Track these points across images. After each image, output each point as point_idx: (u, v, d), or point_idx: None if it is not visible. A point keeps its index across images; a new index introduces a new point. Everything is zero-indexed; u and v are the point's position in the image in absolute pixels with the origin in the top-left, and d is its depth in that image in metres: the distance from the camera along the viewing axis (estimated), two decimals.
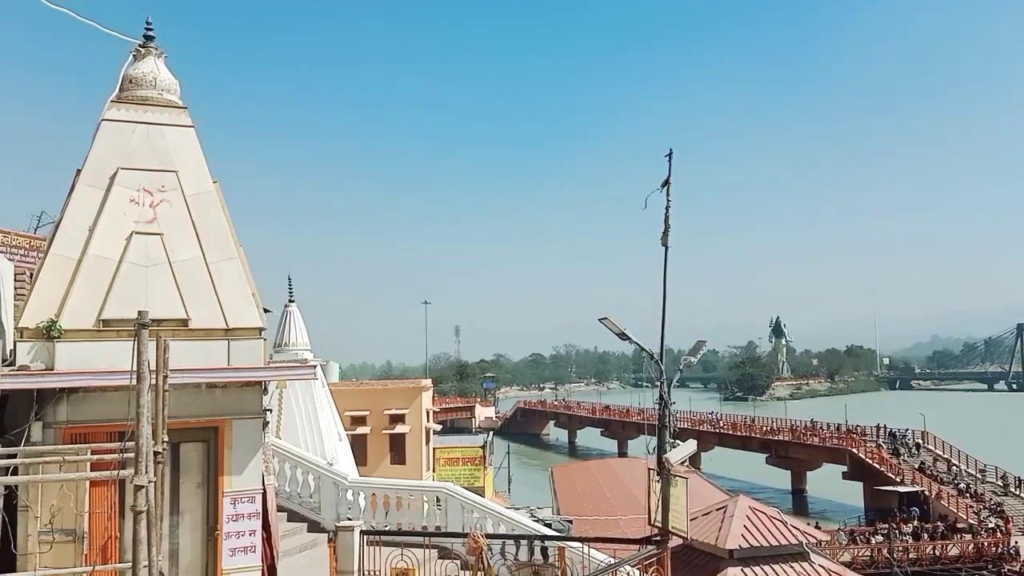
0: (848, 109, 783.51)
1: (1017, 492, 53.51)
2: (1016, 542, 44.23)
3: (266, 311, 11.54)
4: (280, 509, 14.46)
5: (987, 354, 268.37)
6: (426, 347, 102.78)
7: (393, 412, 32.78)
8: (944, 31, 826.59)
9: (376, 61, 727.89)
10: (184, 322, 8.94)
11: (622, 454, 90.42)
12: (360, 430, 31.38)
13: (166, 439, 6.70)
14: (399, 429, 32.56)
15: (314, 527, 14.72)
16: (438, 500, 14.98)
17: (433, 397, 45.25)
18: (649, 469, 10.07)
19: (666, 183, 10.42)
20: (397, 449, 32.52)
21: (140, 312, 6.52)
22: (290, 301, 22.89)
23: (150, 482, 6.23)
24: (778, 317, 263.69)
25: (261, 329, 9.35)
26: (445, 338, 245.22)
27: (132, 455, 6.26)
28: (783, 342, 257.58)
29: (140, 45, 10.03)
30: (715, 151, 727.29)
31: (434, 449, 38.22)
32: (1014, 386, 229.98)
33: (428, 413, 35.60)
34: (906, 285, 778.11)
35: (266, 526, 9.22)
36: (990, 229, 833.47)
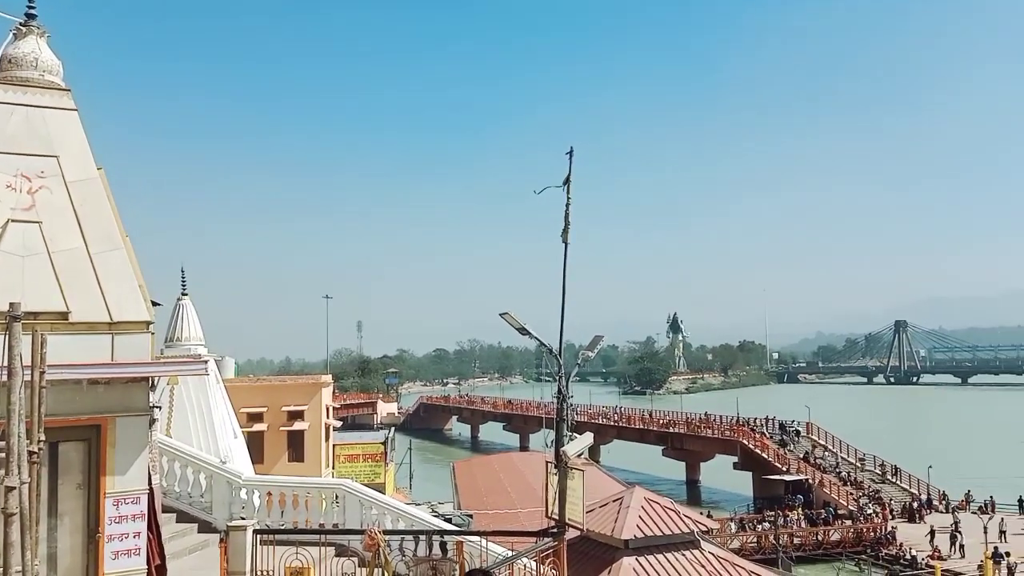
0: (745, 116, 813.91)
1: (894, 480, 56.88)
2: (893, 527, 47.02)
3: (156, 304, 11.12)
4: (170, 510, 13.98)
5: (867, 349, 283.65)
6: (327, 342, 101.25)
7: (291, 409, 32.08)
8: (836, 38, 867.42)
9: (278, 52, 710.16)
10: (64, 315, 8.51)
11: (524, 448, 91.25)
12: (257, 427, 30.58)
13: (42, 438, 6.37)
14: (298, 426, 31.91)
15: (205, 527, 14.27)
16: (336, 497, 14.77)
17: (334, 393, 44.60)
18: (547, 462, 10.21)
19: (567, 181, 10.57)
20: (295, 446, 31.86)
21: (12, 304, 6.17)
22: (183, 294, 22.10)
23: (23, 483, 5.91)
24: (675, 314, 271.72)
25: (148, 323, 8.99)
26: (347, 333, 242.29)
27: (3, 455, 5.92)
28: (680, 338, 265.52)
29: (21, 23, 9.57)
30: (617, 150, 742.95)
31: (334, 446, 37.66)
32: (891, 379, 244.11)
33: (328, 409, 35.04)
34: (794, 285, 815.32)
35: (152, 527, 8.90)
36: (872, 234, 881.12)
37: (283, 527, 13.68)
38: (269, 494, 14.73)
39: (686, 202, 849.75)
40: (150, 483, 9.00)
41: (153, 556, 8.89)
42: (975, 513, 47.67)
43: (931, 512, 50.93)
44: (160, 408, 16.53)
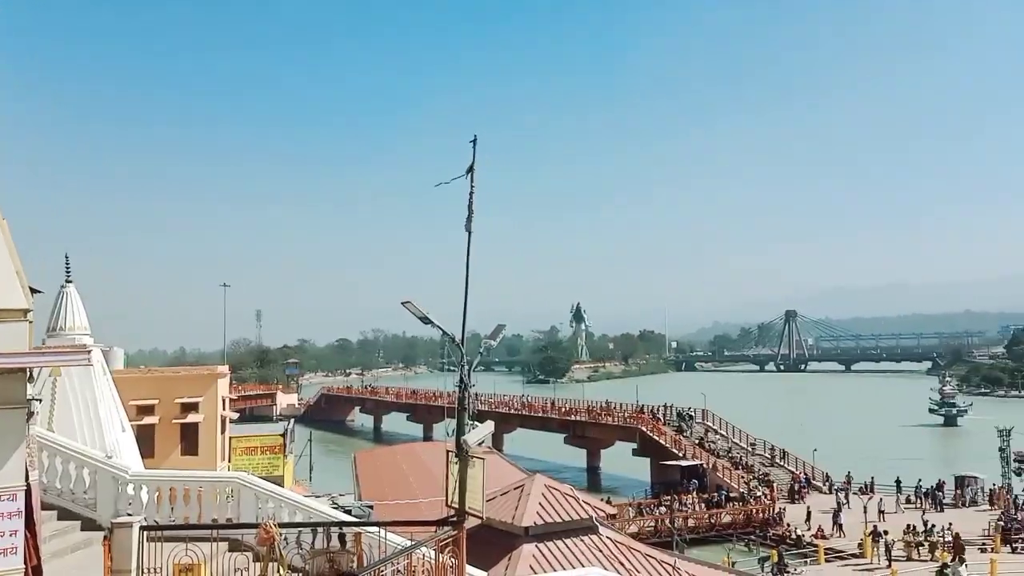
0: (648, 109, 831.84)
1: (782, 463, 59.52)
2: (781, 508, 49.22)
3: (35, 292, 10.54)
4: (51, 507, 13.33)
5: (760, 338, 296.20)
6: (224, 332, 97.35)
7: (185, 400, 30.98)
8: (738, 32, 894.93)
9: (179, 36, 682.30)
10: None
11: (428, 438, 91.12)
12: (147, 420, 29.38)
13: None
14: (191, 418, 30.83)
15: (89, 525, 13.64)
16: (231, 491, 14.36)
17: (231, 384, 43.31)
18: (448, 451, 10.20)
19: (470, 169, 10.54)
20: (189, 439, 30.78)
21: None
22: (67, 281, 20.99)
23: None
24: (579, 304, 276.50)
25: (26, 311, 8.51)
26: (246, 323, 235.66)
27: None
28: (583, 327, 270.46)
29: None
30: (522, 140, 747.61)
31: (230, 438, 36.61)
32: (781, 367, 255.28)
33: (224, 401, 34.02)
34: (693, 277, 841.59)
35: (30, 526, 8.45)
36: (765, 227, 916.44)
37: (173, 523, 13.21)
38: (159, 489, 14.20)
39: (591, 194, 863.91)
40: (27, 479, 8.54)
41: (30, 556, 8.45)
42: (856, 494, 50.38)
43: (811, 493, 53.62)
44: (40, 401, 15.69)
